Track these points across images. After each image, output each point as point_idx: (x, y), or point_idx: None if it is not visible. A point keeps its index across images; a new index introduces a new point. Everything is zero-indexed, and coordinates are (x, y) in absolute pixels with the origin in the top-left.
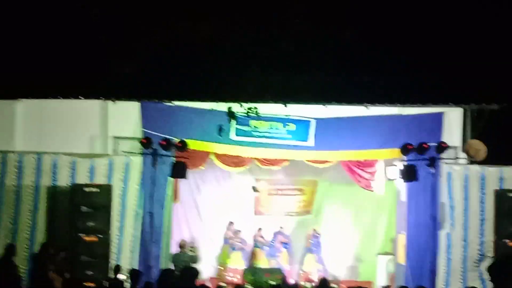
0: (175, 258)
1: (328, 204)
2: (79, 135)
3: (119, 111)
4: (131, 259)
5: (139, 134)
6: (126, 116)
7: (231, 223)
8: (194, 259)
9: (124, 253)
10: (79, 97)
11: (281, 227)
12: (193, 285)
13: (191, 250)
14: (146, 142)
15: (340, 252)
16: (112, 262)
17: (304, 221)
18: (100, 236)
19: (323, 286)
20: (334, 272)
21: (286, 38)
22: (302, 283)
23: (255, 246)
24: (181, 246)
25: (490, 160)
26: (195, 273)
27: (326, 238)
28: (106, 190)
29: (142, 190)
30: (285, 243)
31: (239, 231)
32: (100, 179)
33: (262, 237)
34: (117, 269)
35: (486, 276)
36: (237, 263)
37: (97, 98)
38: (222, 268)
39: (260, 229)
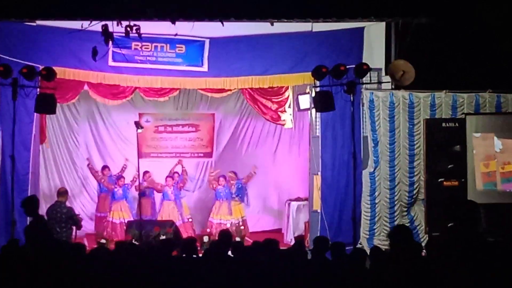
0: (50, 210)
1: (230, 143)
2: None
3: None
4: None
5: None
6: None
7: (105, 167)
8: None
9: None
10: None
11: (182, 168)
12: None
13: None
14: (3, 70)
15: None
16: None
17: (204, 164)
18: None
19: (224, 240)
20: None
21: None
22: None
23: (142, 194)
24: (61, 193)
25: (419, 84)
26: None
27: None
28: None
29: (0, 129)
30: (186, 190)
31: (121, 176)
32: None
33: (150, 183)
34: None
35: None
36: (121, 216)
37: None
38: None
39: (147, 172)
